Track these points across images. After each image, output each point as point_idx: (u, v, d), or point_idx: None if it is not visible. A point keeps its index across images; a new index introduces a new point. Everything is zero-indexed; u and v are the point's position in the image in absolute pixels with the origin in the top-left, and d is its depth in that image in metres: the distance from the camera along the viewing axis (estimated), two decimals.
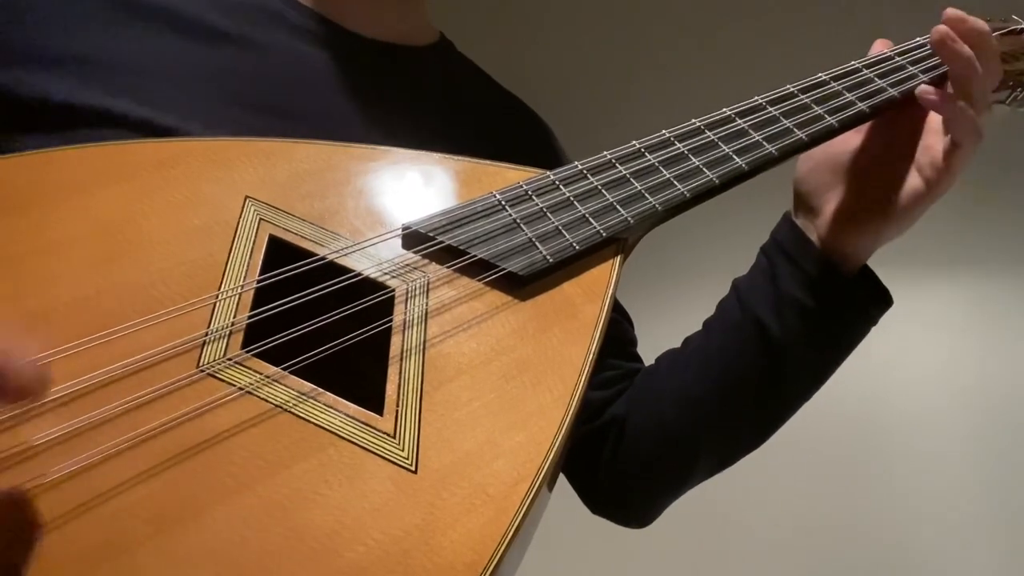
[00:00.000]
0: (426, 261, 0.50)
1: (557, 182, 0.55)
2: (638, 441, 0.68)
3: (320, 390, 0.43)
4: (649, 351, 0.74)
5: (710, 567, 2.02)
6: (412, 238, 0.50)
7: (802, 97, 0.61)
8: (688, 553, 1.96)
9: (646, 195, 0.55)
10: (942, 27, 0.59)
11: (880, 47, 0.66)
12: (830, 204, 0.62)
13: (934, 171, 0.58)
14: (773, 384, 0.64)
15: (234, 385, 0.41)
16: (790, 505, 2.03)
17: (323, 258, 0.48)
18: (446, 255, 0.50)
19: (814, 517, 2.03)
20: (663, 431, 0.67)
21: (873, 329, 0.64)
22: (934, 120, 0.60)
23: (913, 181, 0.60)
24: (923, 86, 0.60)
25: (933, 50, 0.61)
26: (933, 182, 0.59)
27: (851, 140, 0.63)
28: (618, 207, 0.54)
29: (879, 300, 0.63)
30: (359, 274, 0.48)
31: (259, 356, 0.43)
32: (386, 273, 0.48)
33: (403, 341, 0.46)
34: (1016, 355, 2.13)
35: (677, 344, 0.71)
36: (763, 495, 1.94)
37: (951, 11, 0.59)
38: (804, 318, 0.62)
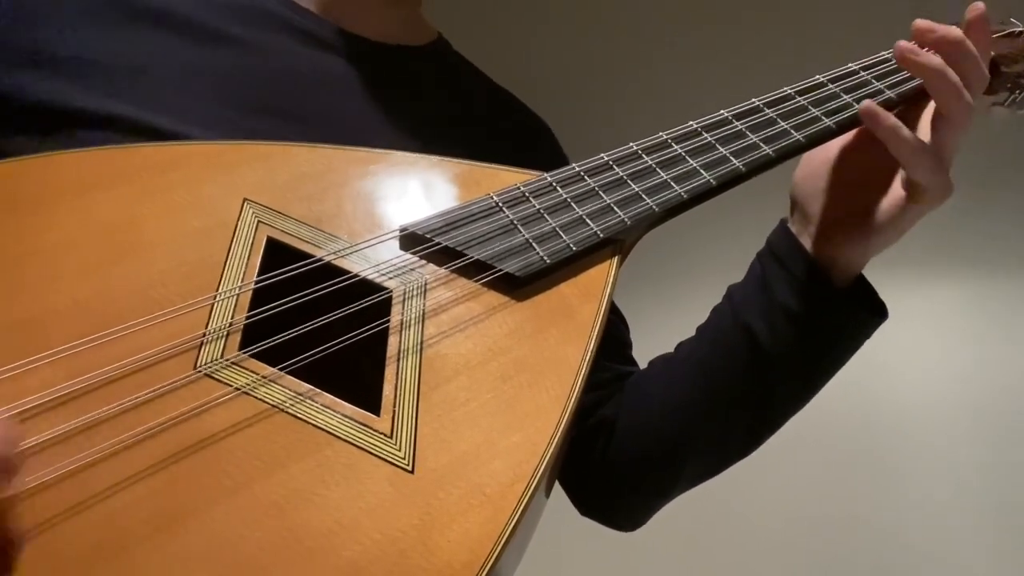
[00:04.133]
0: (423, 262, 0.50)
1: (554, 184, 0.55)
2: (627, 444, 0.68)
3: (317, 390, 0.43)
4: (647, 354, 0.74)
5: (710, 565, 2.02)
6: (409, 239, 0.50)
7: (799, 99, 0.61)
8: (688, 551, 1.95)
9: (643, 197, 0.55)
10: (901, 43, 0.57)
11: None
12: (822, 211, 0.62)
13: (918, 186, 0.56)
14: (763, 392, 0.64)
15: (231, 385, 0.42)
16: (786, 501, 2.03)
17: (320, 259, 0.48)
18: (443, 256, 0.50)
19: (810, 513, 2.04)
20: (652, 435, 0.67)
21: None
22: (922, 127, 0.59)
23: (896, 192, 0.58)
24: (866, 102, 0.57)
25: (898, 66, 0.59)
26: (917, 197, 0.57)
27: (848, 146, 0.63)
28: (615, 208, 0.54)
29: (872, 311, 0.62)
30: (356, 275, 0.48)
31: (256, 357, 0.43)
32: (383, 274, 0.49)
33: (400, 342, 0.46)
34: (1013, 354, 2.13)
35: (673, 347, 0.71)
36: (759, 491, 1.94)
37: (919, 22, 0.58)
38: (794, 325, 0.61)
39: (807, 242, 0.62)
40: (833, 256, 0.61)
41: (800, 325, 0.61)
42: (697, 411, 0.65)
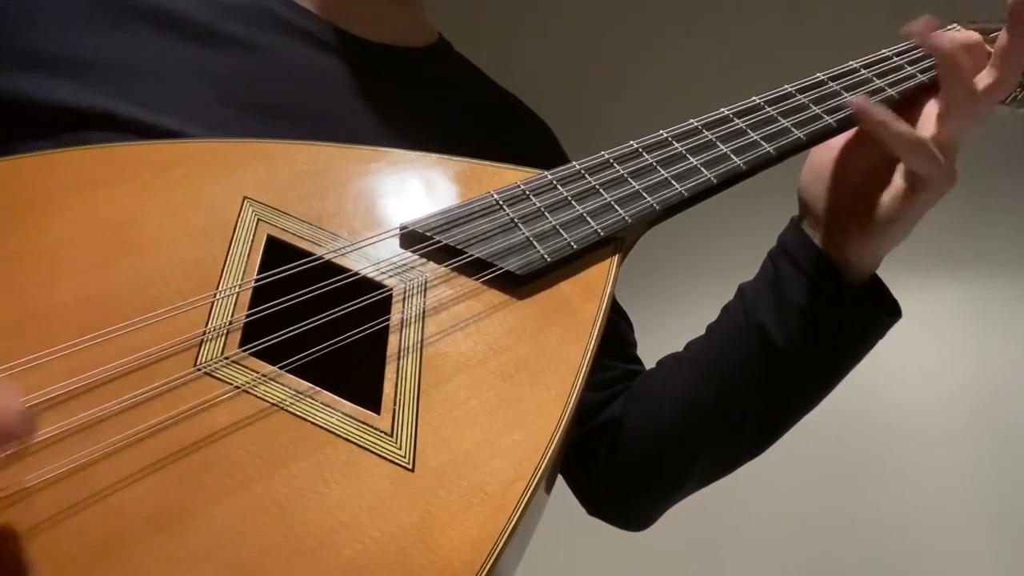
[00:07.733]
0: (424, 260, 0.50)
1: (555, 182, 0.55)
2: (634, 444, 0.67)
3: (317, 389, 0.43)
4: (646, 352, 0.74)
5: (708, 564, 2.02)
6: (410, 238, 0.50)
7: (800, 97, 0.61)
8: (687, 550, 1.95)
9: (644, 194, 0.55)
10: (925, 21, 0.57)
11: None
12: (831, 211, 0.61)
13: (919, 177, 0.56)
14: (775, 392, 0.64)
15: (231, 384, 0.42)
16: (784, 500, 2.03)
17: (320, 258, 0.48)
18: (444, 254, 0.50)
19: (808, 513, 2.04)
20: (661, 435, 0.67)
21: None
22: (924, 122, 0.58)
23: (897, 186, 0.58)
24: (857, 97, 0.57)
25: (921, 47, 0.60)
26: (919, 187, 0.56)
27: (850, 144, 0.62)
28: (616, 206, 0.54)
29: (887, 311, 0.62)
30: (356, 273, 0.48)
31: (256, 355, 0.43)
32: (384, 272, 0.48)
33: (400, 340, 0.46)
34: (1013, 354, 2.13)
35: (676, 345, 0.71)
36: (757, 491, 1.94)
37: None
38: (807, 325, 0.61)
39: (819, 242, 0.62)
40: (846, 255, 0.60)
41: (814, 323, 0.61)
42: (709, 409, 0.65)
